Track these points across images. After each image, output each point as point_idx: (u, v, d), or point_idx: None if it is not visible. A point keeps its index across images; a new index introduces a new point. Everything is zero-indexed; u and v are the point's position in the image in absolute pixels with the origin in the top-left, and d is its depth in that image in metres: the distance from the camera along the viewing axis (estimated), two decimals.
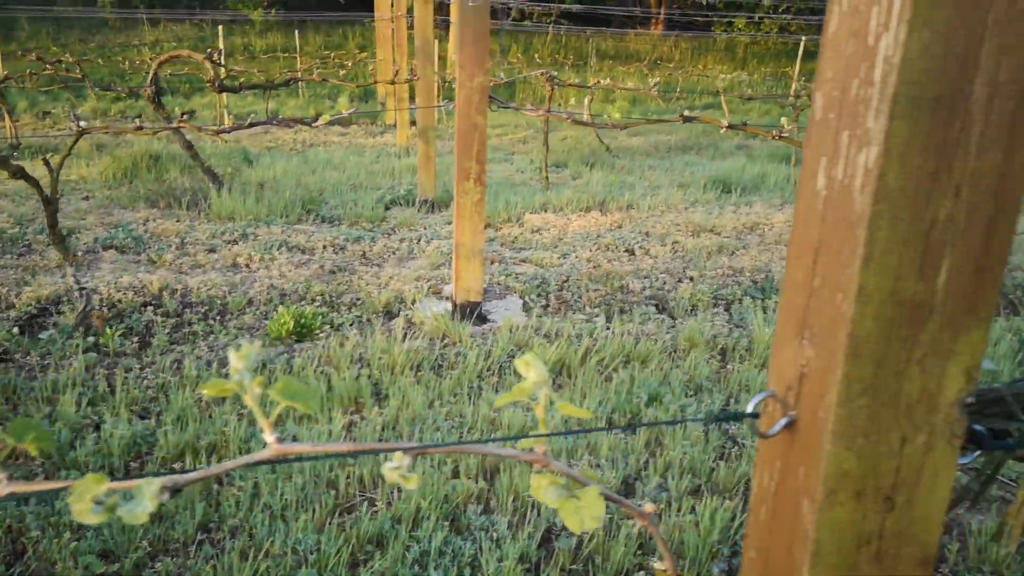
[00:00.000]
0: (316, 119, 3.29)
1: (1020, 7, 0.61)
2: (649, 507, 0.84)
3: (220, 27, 8.88)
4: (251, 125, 3.29)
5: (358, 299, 3.78)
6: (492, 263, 4.53)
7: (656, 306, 3.94)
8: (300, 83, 11.73)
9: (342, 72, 11.08)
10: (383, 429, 2.60)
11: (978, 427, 0.79)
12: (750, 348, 3.31)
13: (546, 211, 5.66)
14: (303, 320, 3.28)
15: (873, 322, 0.68)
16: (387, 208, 5.71)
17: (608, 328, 3.50)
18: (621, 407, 2.76)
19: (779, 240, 4.97)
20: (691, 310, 3.89)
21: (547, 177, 6.21)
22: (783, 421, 0.77)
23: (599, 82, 7.21)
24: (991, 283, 0.68)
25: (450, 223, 5.39)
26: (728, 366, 3.18)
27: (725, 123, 4.06)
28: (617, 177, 6.82)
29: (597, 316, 3.67)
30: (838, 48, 0.68)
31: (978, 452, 0.79)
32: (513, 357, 3.14)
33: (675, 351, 3.29)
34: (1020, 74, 0.63)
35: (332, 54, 12.30)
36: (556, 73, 6.62)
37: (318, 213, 5.40)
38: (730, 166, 7.38)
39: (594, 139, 8.48)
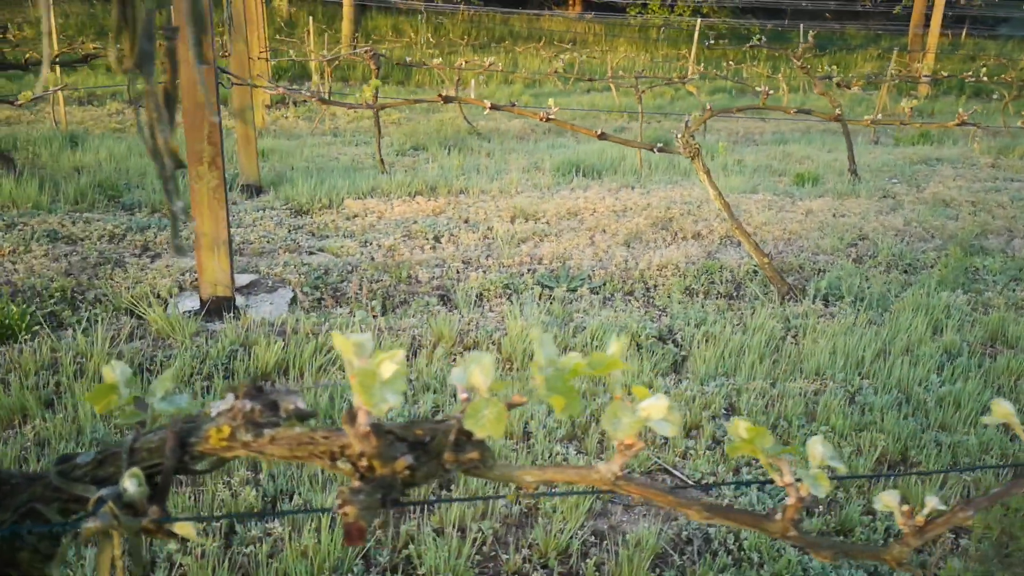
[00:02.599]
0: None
1: None
2: None
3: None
4: None
5: (104, 295, 3.46)
6: (285, 252, 4.26)
7: (441, 297, 3.73)
8: None
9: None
10: (41, 445, 2.33)
11: None
12: (498, 343, 3.12)
13: (372, 196, 5.40)
14: (8, 320, 2.96)
15: None
16: None
17: (376, 320, 3.27)
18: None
19: (596, 227, 4.81)
20: (477, 301, 3.70)
21: (382, 160, 5.94)
22: None
23: (439, 63, 6.94)
24: None
25: (264, 209, 5.08)
26: None
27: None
28: (463, 160, 6.59)
29: (358, 310, 3.43)
30: None
31: None
32: (232, 358, 2.88)
33: (419, 347, 3.08)
34: None
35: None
36: (385, 53, 6.32)
37: (118, 199, 5.03)
38: (592, 149, 7.22)
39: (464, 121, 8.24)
